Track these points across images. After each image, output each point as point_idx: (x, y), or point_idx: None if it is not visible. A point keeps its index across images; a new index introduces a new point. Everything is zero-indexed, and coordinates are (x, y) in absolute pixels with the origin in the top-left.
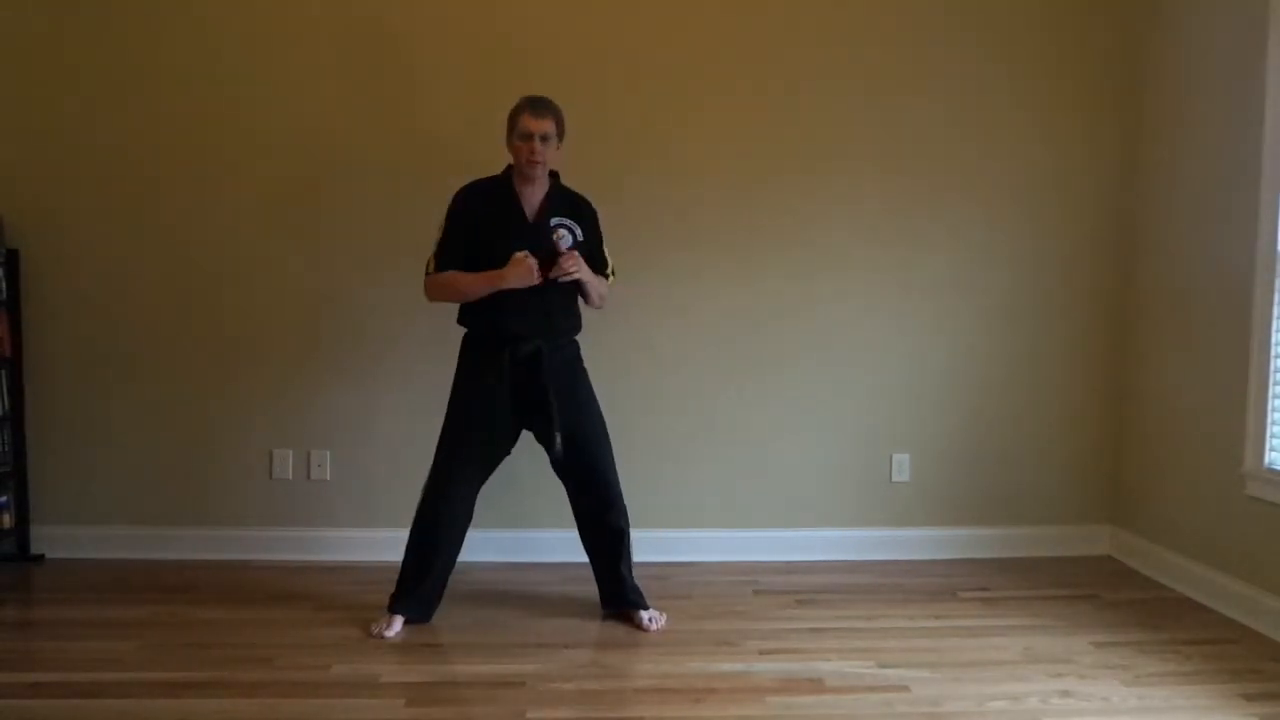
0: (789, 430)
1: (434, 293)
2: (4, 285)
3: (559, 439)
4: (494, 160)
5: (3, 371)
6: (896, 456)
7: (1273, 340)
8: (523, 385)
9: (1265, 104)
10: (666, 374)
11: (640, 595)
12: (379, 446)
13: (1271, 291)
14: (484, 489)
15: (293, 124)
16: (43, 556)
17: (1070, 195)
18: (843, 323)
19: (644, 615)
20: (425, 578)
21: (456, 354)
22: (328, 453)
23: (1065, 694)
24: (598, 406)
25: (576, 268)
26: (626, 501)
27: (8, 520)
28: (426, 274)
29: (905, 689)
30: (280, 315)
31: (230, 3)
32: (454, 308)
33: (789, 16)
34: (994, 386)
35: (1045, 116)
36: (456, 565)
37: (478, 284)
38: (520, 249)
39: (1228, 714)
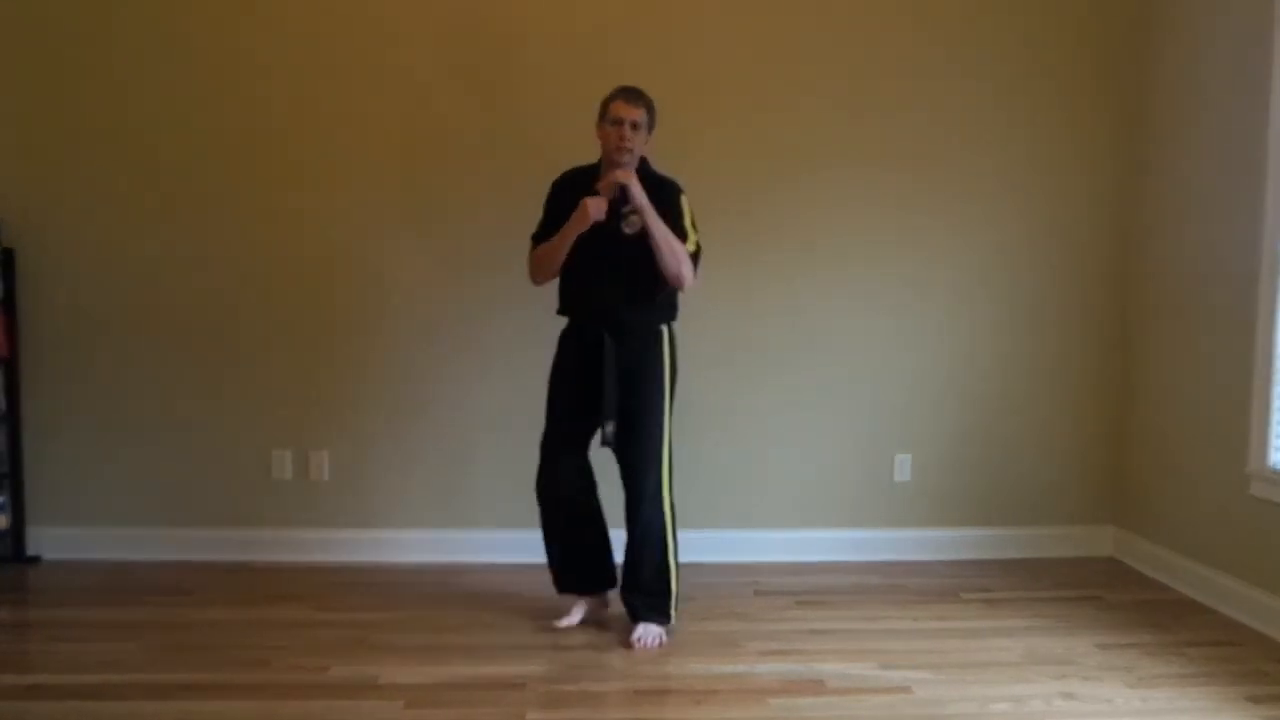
0: (790, 430)
1: (531, 269)
2: (2, 285)
3: (610, 427)
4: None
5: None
6: (899, 457)
7: (1276, 340)
8: (589, 369)
9: (1269, 102)
10: None
11: (645, 608)
12: (379, 446)
13: (1275, 291)
14: (485, 489)
15: (292, 124)
16: (39, 558)
17: (1073, 195)
18: (844, 323)
19: (636, 629)
20: (557, 553)
21: (456, 354)
22: (327, 453)
23: (1068, 696)
24: (657, 406)
25: (628, 179)
26: None
27: (4, 521)
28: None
29: (907, 690)
30: (280, 315)
31: (227, 3)
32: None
33: (792, 19)
34: (996, 387)
35: (1047, 116)
36: (456, 565)
37: (555, 241)
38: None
39: (1232, 716)
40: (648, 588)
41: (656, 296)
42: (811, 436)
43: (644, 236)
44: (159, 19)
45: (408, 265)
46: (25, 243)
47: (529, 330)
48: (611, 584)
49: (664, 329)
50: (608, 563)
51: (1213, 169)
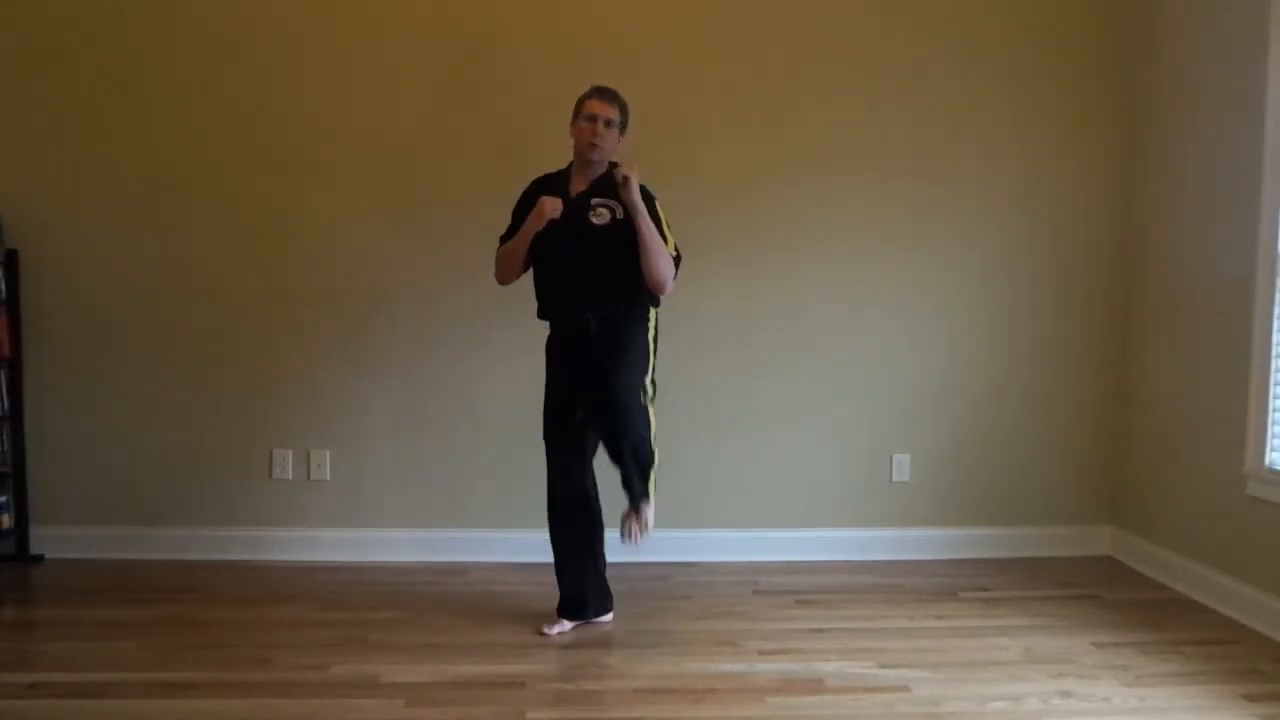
0: (789, 430)
1: (496, 270)
2: (4, 285)
3: (579, 415)
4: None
5: (2, 372)
6: (897, 456)
7: (1273, 340)
8: (576, 360)
9: (1266, 105)
10: (666, 374)
11: (635, 495)
12: (379, 446)
13: (1272, 291)
14: (484, 489)
15: (293, 127)
16: (42, 556)
17: (1072, 196)
18: (843, 323)
19: (632, 516)
20: (570, 577)
21: (456, 354)
22: (327, 453)
23: (1066, 694)
24: (636, 382)
25: (632, 173)
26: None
27: (7, 520)
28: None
29: (906, 689)
30: (280, 316)
31: (225, 4)
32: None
33: (791, 18)
34: (994, 386)
35: (1046, 118)
36: (456, 565)
37: (514, 240)
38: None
39: (1229, 715)
40: (636, 486)
41: (633, 290)
42: (810, 436)
43: (613, 227)
44: (161, 23)
45: (408, 266)
46: (28, 243)
47: (528, 331)
48: (610, 608)
49: (649, 311)
50: (606, 586)
51: (1210, 170)
